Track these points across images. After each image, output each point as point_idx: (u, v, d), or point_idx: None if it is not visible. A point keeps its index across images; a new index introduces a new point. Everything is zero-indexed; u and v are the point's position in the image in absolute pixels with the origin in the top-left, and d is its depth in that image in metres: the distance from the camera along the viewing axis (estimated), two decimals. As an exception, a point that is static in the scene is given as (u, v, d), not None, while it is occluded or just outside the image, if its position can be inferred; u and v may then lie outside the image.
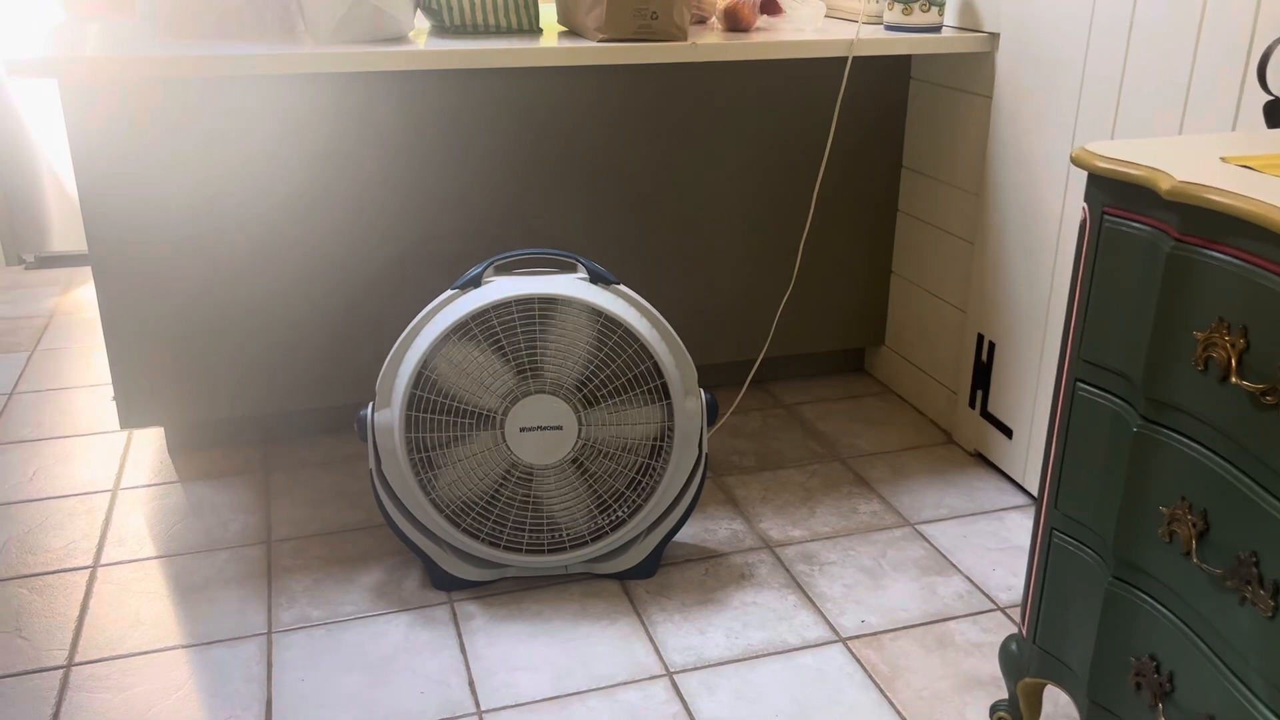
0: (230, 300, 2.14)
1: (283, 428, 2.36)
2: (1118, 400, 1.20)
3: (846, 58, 2.27)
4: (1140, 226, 1.13)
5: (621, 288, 1.78)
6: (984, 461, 2.27)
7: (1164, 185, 1.08)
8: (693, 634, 1.73)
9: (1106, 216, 1.18)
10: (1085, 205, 1.21)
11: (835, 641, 1.72)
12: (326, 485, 2.17)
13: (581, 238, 2.30)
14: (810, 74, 2.32)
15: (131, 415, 2.17)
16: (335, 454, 2.29)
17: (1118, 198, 1.16)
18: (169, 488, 2.16)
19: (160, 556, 1.93)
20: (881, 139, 2.42)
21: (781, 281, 2.48)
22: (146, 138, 1.99)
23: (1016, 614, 1.78)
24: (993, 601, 1.81)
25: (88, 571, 1.89)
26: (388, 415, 1.75)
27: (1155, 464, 1.15)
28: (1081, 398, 1.25)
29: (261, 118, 2.04)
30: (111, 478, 2.20)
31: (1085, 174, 1.34)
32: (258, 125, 2.04)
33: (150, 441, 2.35)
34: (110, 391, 2.58)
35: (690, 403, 1.79)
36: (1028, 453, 2.10)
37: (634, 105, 2.23)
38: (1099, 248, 1.19)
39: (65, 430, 2.40)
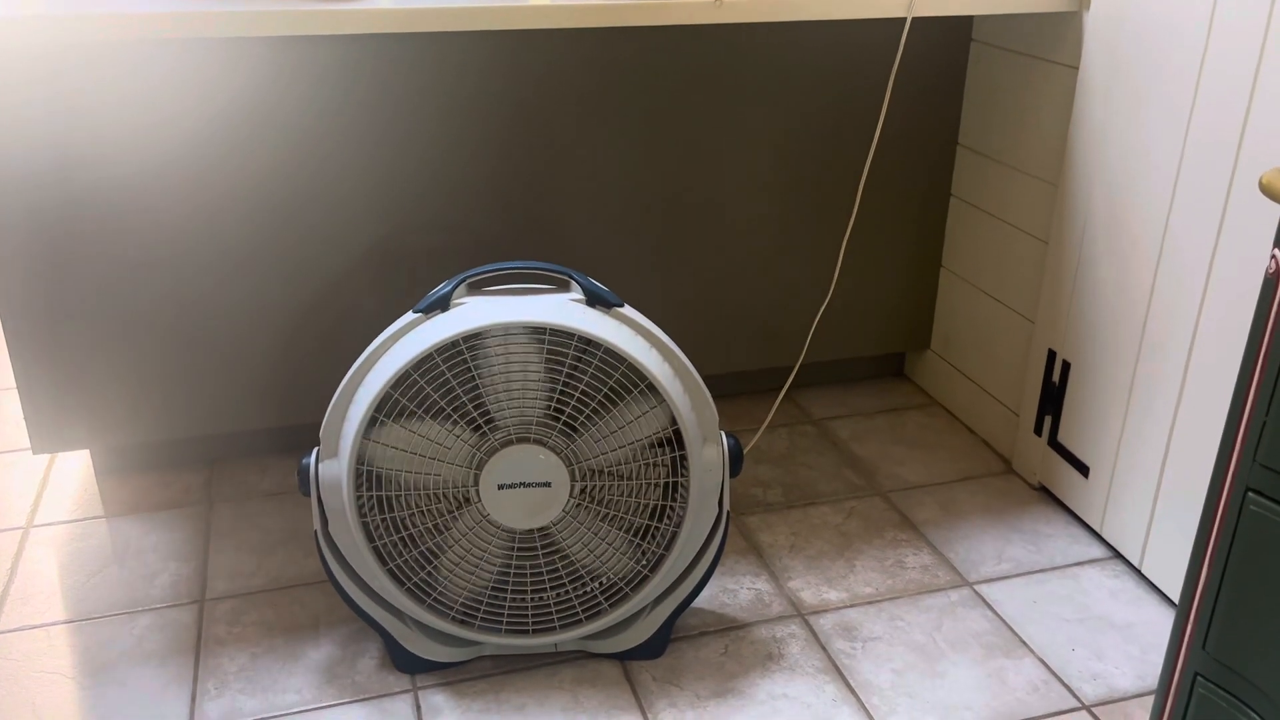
0: (165, 301, 1.80)
1: (230, 448, 2.02)
2: (1319, 531, 0.86)
3: (904, 18, 1.90)
4: (1380, 297, 0.78)
5: (625, 311, 1.43)
6: (1050, 498, 1.93)
7: None
8: (709, 740, 1.41)
9: (1317, 274, 0.83)
10: (1278, 254, 0.86)
11: (885, 753, 1.40)
12: (276, 524, 1.84)
13: (578, 225, 1.95)
14: (852, 37, 1.94)
15: (46, 438, 1.84)
16: (290, 480, 1.96)
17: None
18: (91, 525, 1.83)
19: (70, 621, 1.61)
20: (933, 111, 2.05)
21: (815, 278, 2.12)
22: (52, 103, 1.63)
23: (1105, 715, 1.45)
24: (1076, 696, 1.49)
25: (-19, 641, 1.57)
26: (335, 467, 1.41)
27: (1378, 630, 0.81)
28: (1257, 515, 0.91)
29: (202, 88, 1.68)
30: (26, 510, 1.87)
31: (1260, 199, 0.99)
32: (197, 97, 1.68)
33: (78, 460, 2.02)
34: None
35: (709, 452, 1.45)
36: (1108, 497, 1.76)
37: (645, 75, 1.86)
38: (1300, 316, 0.84)
39: (-20, 446, 2.07)
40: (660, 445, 1.44)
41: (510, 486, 1.40)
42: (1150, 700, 1.48)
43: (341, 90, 1.74)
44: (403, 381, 1.37)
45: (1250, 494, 0.91)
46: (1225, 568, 0.94)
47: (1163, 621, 1.62)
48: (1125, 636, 1.59)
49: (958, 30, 1.99)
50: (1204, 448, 1.55)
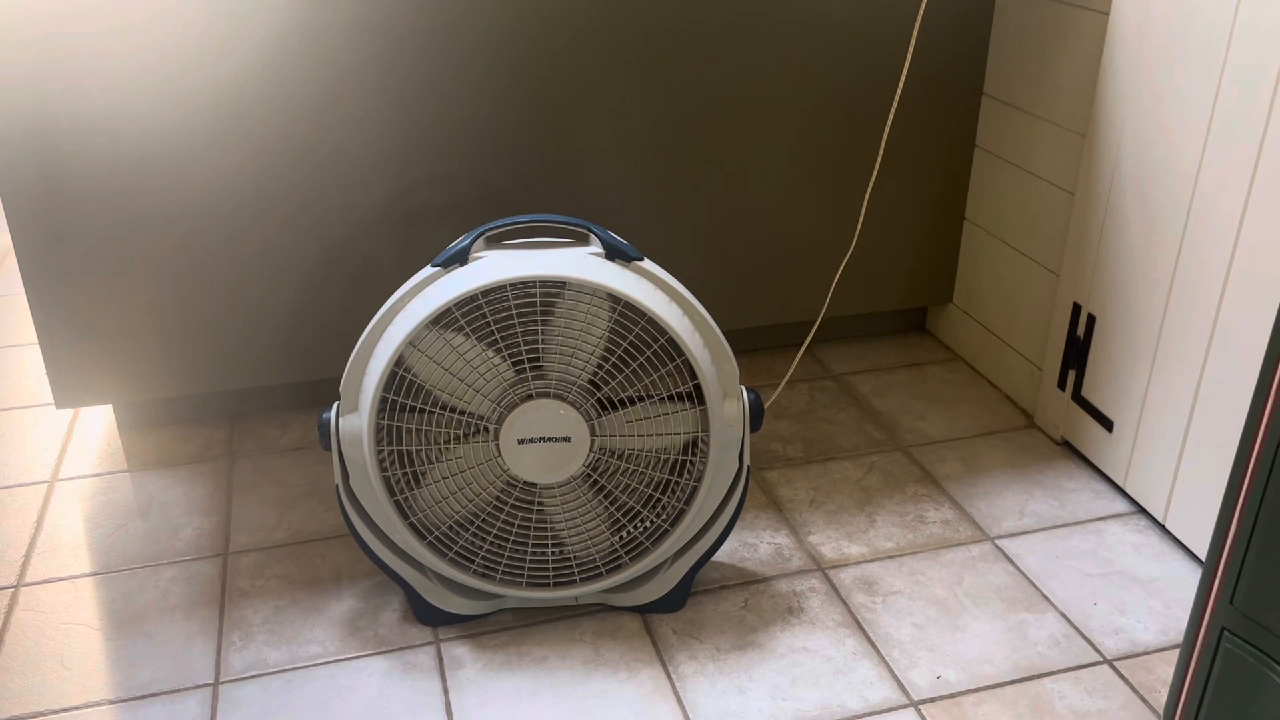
0: (185, 256, 1.79)
1: (251, 404, 2.03)
2: (1353, 485, 0.84)
3: (924, -38, 1.86)
4: None
5: (645, 265, 1.41)
6: (1073, 452, 1.91)
7: None
8: (730, 693, 1.41)
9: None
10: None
11: (906, 706, 1.40)
12: (297, 479, 1.84)
13: (597, 178, 1.93)
14: (878, -18, 1.90)
15: (68, 393, 1.85)
16: (310, 434, 1.97)
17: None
18: (115, 479, 1.85)
19: (96, 574, 1.63)
20: (958, 59, 2.01)
21: (836, 232, 2.10)
22: (66, 57, 1.62)
23: (1127, 669, 1.45)
24: (1097, 650, 1.48)
25: (9, 593, 1.59)
26: (355, 422, 1.41)
27: None
28: (1289, 469, 0.89)
29: (218, 41, 1.66)
30: (50, 464, 1.89)
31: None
32: (213, 51, 1.66)
33: (101, 415, 2.03)
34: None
35: (730, 407, 1.44)
36: (1132, 452, 1.74)
37: (665, 25, 1.83)
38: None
39: (3, 401, 2.08)
40: (680, 400, 1.43)
41: (530, 441, 1.39)
42: (1173, 654, 1.47)
43: (358, 42, 1.72)
44: (422, 334, 1.36)
45: (1282, 447, 0.90)
46: (1255, 522, 0.93)
47: (1186, 576, 1.61)
48: (1148, 591, 1.59)
49: (984, -24, 1.95)
50: (1232, 402, 1.53)
